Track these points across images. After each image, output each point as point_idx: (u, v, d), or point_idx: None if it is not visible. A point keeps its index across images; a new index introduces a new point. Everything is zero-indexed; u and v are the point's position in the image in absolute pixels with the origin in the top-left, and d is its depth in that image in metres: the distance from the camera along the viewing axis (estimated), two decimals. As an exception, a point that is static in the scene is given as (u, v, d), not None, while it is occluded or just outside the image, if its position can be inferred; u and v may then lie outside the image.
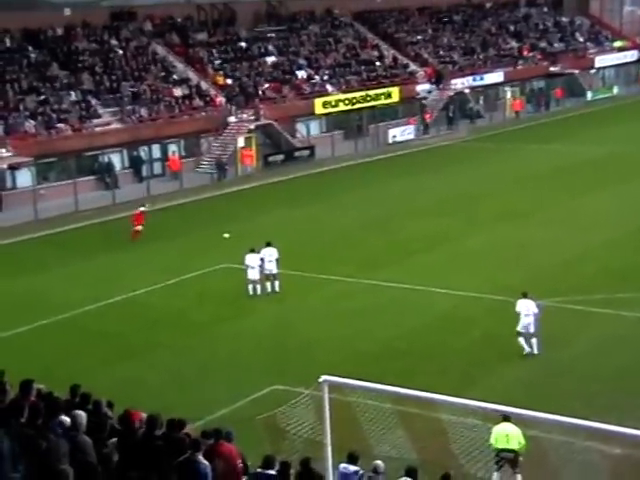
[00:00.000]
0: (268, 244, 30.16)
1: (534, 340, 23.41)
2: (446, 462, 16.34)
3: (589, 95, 77.82)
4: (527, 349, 23.40)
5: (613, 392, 20.78)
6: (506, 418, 16.89)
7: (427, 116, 65.40)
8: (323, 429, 14.47)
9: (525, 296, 23.85)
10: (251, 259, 29.72)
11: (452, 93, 67.64)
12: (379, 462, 13.63)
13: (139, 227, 37.46)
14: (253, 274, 29.68)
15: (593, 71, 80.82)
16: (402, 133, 63.03)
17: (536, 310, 23.54)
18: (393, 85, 65.13)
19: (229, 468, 13.03)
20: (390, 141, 61.71)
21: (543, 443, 16.87)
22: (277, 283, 29.93)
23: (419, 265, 32.41)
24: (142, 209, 38.13)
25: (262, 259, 29.71)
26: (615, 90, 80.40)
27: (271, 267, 29.79)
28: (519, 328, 23.46)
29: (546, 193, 43.12)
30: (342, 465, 13.76)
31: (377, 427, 18.57)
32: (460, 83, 68.89)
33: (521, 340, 23.46)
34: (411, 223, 38.80)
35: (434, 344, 24.71)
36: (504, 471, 17.05)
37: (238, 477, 13.11)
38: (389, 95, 64.18)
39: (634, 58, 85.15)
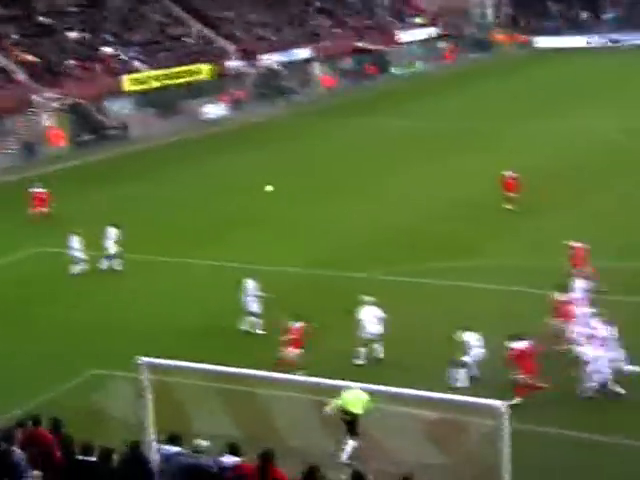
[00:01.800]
0: (113, 225, 30.27)
1: (253, 319, 24.15)
2: (269, 437, 16.58)
3: (395, 70, 80.00)
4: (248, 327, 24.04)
5: (425, 360, 21.54)
6: None
7: (240, 93, 65.42)
8: (144, 411, 14.36)
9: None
10: (74, 241, 29.57)
11: (263, 69, 67.86)
12: (201, 441, 13.64)
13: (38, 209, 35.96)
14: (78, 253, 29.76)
15: (399, 47, 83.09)
16: (216, 110, 62.80)
17: (258, 292, 24.17)
18: (204, 62, 64.69)
19: (45, 455, 12.77)
20: (204, 118, 61.39)
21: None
22: (118, 262, 30.05)
23: (239, 242, 32.54)
24: (37, 189, 36.56)
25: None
26: (420, 65, 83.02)
27: (110, 245, 30.04)
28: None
29: (362, 168, 44.04)
30: (164, 447, 13.70)
31: (199, 406, 18.60)
32: (271, 59, 69.24)
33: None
34: (230, 200, 38.84)
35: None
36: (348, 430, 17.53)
37: (55, 463, 12.87)
38: (200, 72, 63.75)
39: (435, 34, 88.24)
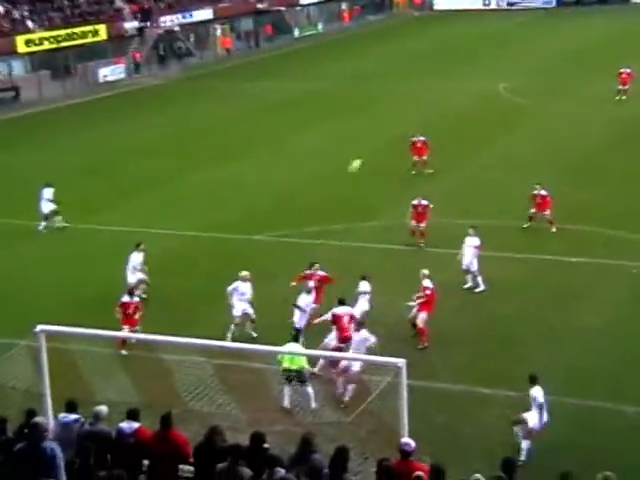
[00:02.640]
0: (48, 185, 29.87)
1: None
2: (171, 401, 16.54)
3: (296, 32, 79.69)
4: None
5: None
6: (295, 339, 17.55)
7: (138, 55, 64.25)
8: (41, 380, 14.18)
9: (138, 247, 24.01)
10: None
11: (162, 31, 66.78)
12: (101, 407, 13.47)
13: None
14: None
15: (298, 8, 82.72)
16: (113, 72, 61.58)
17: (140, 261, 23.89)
18: (99, 22, 63.17)
19: None
20: (101, 81, 60.16)
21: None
22: (44, 224, 29.72)
23: (138, 207, 32.13)
24: None
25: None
26: (320, 27, 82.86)
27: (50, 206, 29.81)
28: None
29: (259, 131, 43.83)
30: (62, 415, 13.52)
31: (100, 373, 18.43)
32: (170, 20, 68.16)
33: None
34: (128, 164, 38.22)
35: (158, 286, 24.52)
36: (293, 385, 17.74)
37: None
38: (96, 33, 62.24)
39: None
